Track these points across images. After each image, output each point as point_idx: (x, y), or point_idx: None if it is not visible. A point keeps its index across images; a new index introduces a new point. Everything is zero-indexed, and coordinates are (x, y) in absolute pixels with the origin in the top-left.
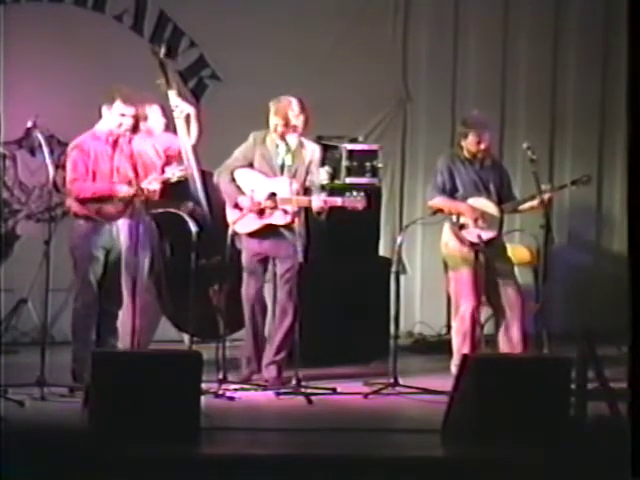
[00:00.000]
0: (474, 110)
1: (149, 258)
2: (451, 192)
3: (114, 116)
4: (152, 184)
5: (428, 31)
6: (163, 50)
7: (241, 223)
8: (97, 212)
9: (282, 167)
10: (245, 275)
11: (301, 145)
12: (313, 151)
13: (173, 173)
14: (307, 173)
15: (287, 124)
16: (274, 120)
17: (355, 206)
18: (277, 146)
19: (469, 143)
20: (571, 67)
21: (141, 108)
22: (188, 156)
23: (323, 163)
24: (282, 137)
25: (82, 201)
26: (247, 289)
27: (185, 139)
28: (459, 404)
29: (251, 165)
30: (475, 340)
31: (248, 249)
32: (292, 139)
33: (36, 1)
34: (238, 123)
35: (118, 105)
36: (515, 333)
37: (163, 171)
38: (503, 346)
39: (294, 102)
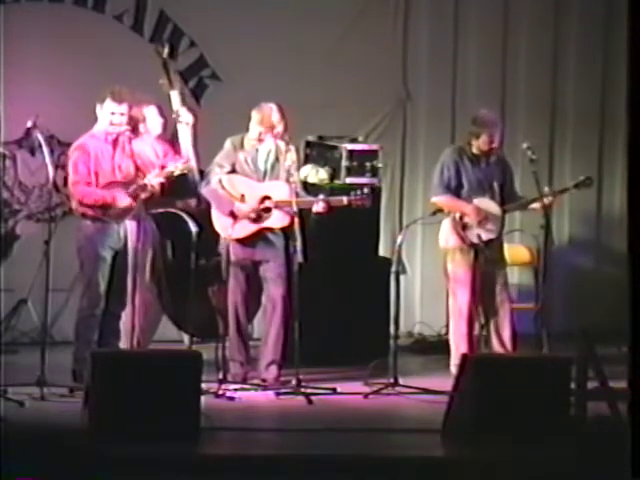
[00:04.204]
0: (481, 109)
1: (151, 258)
2: (456, 189)
3: (105, 114)
4: (156, 179)
5: (428, 31)
6: (166, 50)
7: (235, 229)
8: (104, 213)
9: (265, 171)
10: (230, 280)
11: (280, 148)
12: (291, 154)
13: (176, 167)
14: (289, 174)
15: (270, 130)
16: (258, 128)
17: (363, 204)
18: (257, 150)
19: (482, 143)
20: (571, 66)
21: (136, 107)
22: (189, 158)
23: (299, 164)
24: (261, 142)
25: (86, 206)
26: (232, 294)
27: (188, 145)
28: (459, 404)
29: (233, 170)
30: (473, 338)
31: (234, 254)
32: (270, 143)
33: (36, 1)
34: (238, 123)
35: (108, 103)
36: (506, 332)
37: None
38: (494, 345)
39: (275, 108)
